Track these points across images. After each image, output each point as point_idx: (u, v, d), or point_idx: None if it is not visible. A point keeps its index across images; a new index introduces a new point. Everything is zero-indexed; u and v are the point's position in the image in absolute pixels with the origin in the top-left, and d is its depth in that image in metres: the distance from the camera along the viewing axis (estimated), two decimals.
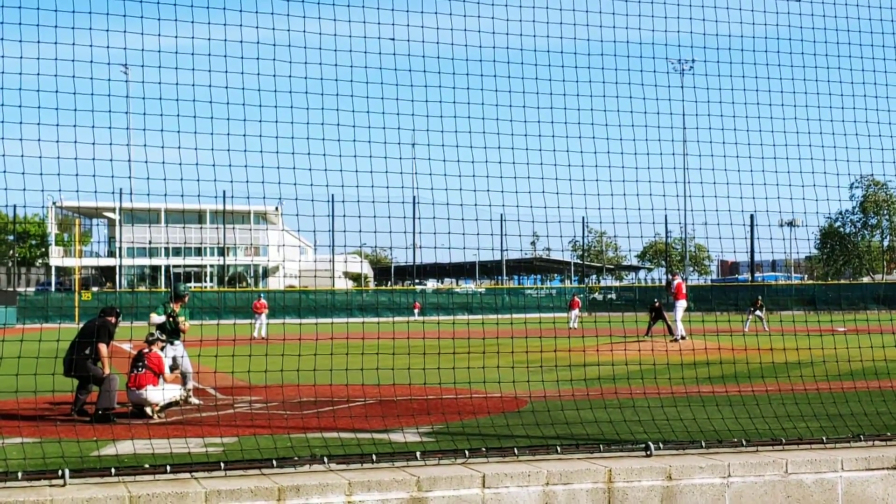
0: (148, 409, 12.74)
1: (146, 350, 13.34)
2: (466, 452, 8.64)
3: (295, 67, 9.41)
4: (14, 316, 58.74)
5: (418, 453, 8.56)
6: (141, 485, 7.63)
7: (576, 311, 48.59)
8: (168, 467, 7.95)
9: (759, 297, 44.21)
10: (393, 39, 9.70)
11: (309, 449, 8.95)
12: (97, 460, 8.89)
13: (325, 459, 8.31)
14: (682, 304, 28.11)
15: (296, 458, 8.32)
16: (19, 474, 7.68)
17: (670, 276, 31.35)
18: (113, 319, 13.44)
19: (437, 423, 11.19)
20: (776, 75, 11.20)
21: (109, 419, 12.28)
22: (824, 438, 9.49)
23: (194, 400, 14.23)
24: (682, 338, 26.69)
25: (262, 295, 41.64)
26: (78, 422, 12.17)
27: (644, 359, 20.67)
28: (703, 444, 9.21)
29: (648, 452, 8.93)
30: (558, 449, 8.89)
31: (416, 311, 64.82)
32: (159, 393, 12.87)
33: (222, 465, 8.08)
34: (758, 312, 41.07)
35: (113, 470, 7.86)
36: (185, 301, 14.81)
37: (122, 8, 8.87)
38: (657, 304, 34.47)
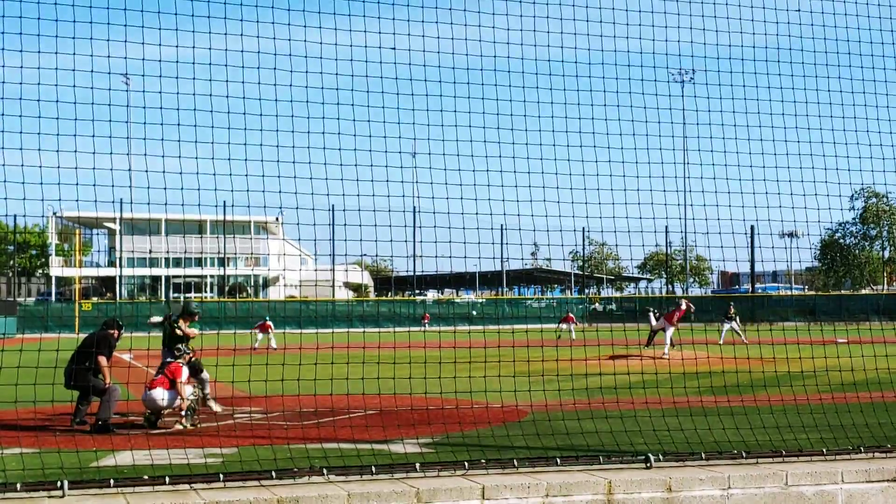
0: (160, 412, 12.70)
1: (170, 360, 13.39)
2: (466, 464, 8.61)
3: (295, 77, 9.42)
4: (14, 326, 58.61)
5: (418, 465, 8.54)
6: (140, 496, 7.60)
7: (566, 325, 47.65)
8: (167, 478, 7.93)
9: (731, 305, 41.67)
10: (394, 49, 9.71)
11: (308, 460, 8.92)
12: (96, 471, 8.85)
13: (325, 471, 8.28)
14: (672, 329, 28.08)
15: (295, 470, 8.29)
16: (18, 485, 7.66)
17: (679, 300, 31.21)
18: (115, 332, 13.44)
19: (437, 433, 11.16)
20: (777, 85, 11.21)
21: (109, 430, 12.25)
22: (824, 450, 9.46)
23: (214, 405, 14.26)
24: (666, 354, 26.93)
25: (267, 317, 41.25)
26: (77, 432, 12.13)
27: (645, 369, 20.64)
28: (704, 455, 9.17)
29: (648, 464, 8.90)
30: (558, 460, 8.86)
31: (425, 322, 61.61)
32: (171, 396, 12.83)
33: (221, 476, 8.06)
34: (732, 324, 38.26)
35: (112, 481, 7.84)
36: (195, 319, 14.90)
37: (123, 18, 8.90)
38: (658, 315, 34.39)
